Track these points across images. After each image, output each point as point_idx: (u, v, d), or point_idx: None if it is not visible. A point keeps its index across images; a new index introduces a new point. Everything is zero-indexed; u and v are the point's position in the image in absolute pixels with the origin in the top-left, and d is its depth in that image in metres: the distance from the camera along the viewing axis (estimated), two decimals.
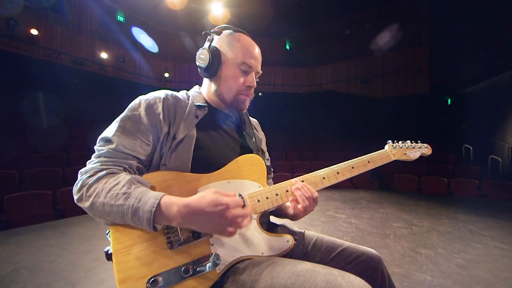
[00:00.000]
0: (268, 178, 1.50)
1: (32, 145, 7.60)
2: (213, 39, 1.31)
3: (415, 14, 14.09)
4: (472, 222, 5.24)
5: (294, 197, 1.22)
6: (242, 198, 1.16)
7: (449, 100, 14.26)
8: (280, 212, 1.41)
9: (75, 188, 1.00)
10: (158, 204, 0.92)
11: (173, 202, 0.94)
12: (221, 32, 1.31)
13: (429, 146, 1.58)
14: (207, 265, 1.00)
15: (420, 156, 1.55)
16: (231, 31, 1.31)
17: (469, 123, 12.29)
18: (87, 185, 0.97)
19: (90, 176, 0.99)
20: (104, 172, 1.00)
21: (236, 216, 0.93)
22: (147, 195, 0.94)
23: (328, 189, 8.30)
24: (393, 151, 1.48)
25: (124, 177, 0.99)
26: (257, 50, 1.31)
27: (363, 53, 15.25)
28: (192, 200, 0.94)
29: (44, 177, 6.19)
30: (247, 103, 1.35)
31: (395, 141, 1.52)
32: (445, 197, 8.14)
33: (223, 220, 0.91)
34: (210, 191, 0.96)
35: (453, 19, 11.56)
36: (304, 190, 1.20)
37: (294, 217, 1.31)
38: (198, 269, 0.98)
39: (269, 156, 1.63)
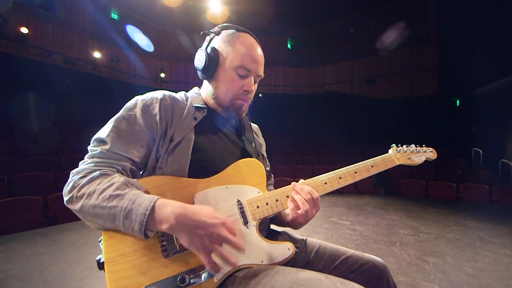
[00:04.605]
0: (268, 183, 1.50)
1: (22, 148, 7.59)
2: (211, 39, 1.31)
3: (422, 11, 14.13)
4: (482, 229, 5.24)
5: (292, 201, 1.20)
6: (241, 203, 1.17)
7: (458, 102, 14.26)
8: (280, 220, 1.40)
9: (65, 189, 1.00)
10: (153, 207, 0.92)
11: (169, 203, 0.95)
12: (221, 32, 1.30)
13: (434, 150, 1.58)
14: (204, 274, 1.00)
15: (425, 160, 1.55)
16: (233, 30, 1.30)
17: (479, 126, 12.26)
18: (78, 186, 0.98)
19: (82, 177, 0.99)
20: (97, 172, 1.00)
21: (227, 239, 0.92)
22: (141, 198, 0.95)
23: (332, 194, 8.33)
24: (397, 155, 1.48)
25: (118, 179, 1.00)
26: (259, 52, 1.29)
27: (368, 53, 15.30)
28: (189, 205, 0.96)
29: (34, 182, 6.19)
30: (245, 108, 1.35)
31: (399, 145, 1.53)
32: (454, 203, 8.14)
33: (214, 235, 0.90)
34: (208, 207, 0.99)
35: (463, 17, 11.56)
36: (304, 193, 1.18)
37: (294, 224, 1.29)
38: (194, 278, 0.98)
39: (270, 161, 1.63)
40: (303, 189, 1.20)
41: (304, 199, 1.17)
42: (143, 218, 0.90)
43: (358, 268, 1.23)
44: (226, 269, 1.05)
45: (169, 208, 0.93)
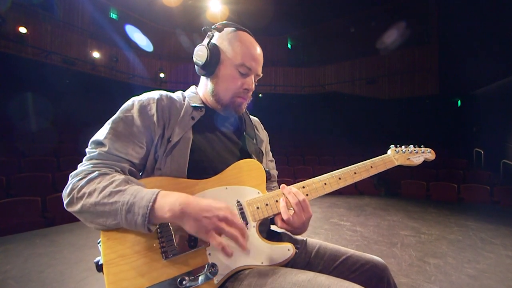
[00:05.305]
0: (271, 181, 1.52)
1: (21, 149, 7.59)
2: (213, 35, 1.30)
3: (423, 10, 14.13)
4: (483, 230, 5.24)
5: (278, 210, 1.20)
6: (241, 204, 1.17)
7: (459, 102, 14.23)
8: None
9: (65, 192, 1.00)
10: (155, 200, 0.93)
11: (171, 193, 0.97)
12: (223, 29, 1.31)
13: (432, 151, 1.59)
14: (204, 275, 1.00)
15: (424, 161, 1.56)
16: (233, 28, 1.30)
17: (480, 126, 12.25)
18: (78, 187, 0.98)
19: (81, 179, 1.00)
20: (95, 173, 1.00)
21: (232, 221, 0.95)
22: (143, 191, 0.96)
23: (332, 195, 8.32)
24: (396, 156, 1.49)
25: (119, 177, 1.00)
26: (258, 52, 1.30)
27: (369, 52, 15.28)
28: (191, 195, 0.98)
29: (33, 182, 6.19)
30: (244, 106, 1.35)
31: (398, 145, 1.54)
32: (455, 203, 8.16)
33: (221, 216, 0.94)
34: (209, 199, 1.01)
35: (464, 16, 11.56)
36: (291, 196, 1.18)
37: (291, 232, 1.29)
38: (194, 280, 0.98)
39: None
40: (290, 192, 1.20)
41: (291, 203, 1.17)
42: (146, 210, 0.91)
43: (358, 268, 1.23)
44: (228, 270, 1.05)
45: (172, 197, 0.95)
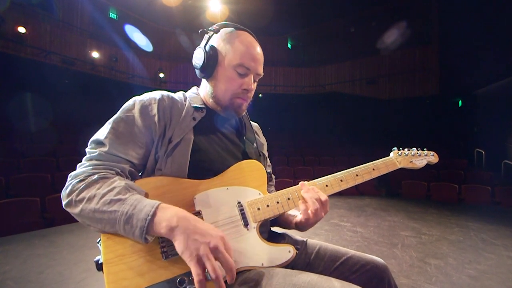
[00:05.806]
0: (269, 185, 1.50)
1: (20, 149, 7.59)
2: (210, 37, 1.30)
3: (424, 10, 14.15)
4: (484, 231, 5.24)
5: (303, 201, 1.19)
6: (242, 205, 1.17)
7: (460, 102, 14.26)
8: (286, 222, 1.39)
9: (64, 193, 0.99)
10: (154, 213, 0.91)
11: (171, 207, 0.94)
12: (219, 30, 1.30)
13: (436, 154, 1.59)
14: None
15: (427, 164, 1.56)
16: (232, 29, 1.29)
17: (481, 126, 12.27)
18: (77, 190, 0.97)
19: (81, 181, 0.98)
20: (96, 176, 0.99)
21: (223, 254, 0.87)
22: (142, 203, 0.94)
23: (332, 196, 8.21)
24: (399, 158, 1.49)
25: (119, 183, 0.98)
26: (258, 51, 1.28)
27: (369, 52, 15.28)
28: (193, 216, 0.95)
29: (32, 183, 6.19)
30: (244, 107, 1.34)
31: (401, 148, 1.53)
32: (456, 204, 8.15)
33: (211, 245, 0.87)
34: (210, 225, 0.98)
35: (465, 16, 11.56)
36: (313, 192, 1.18)
37: (302, 225, 1.26)
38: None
39: (270, 161, 1.63)
40: (313, 189, 1.20)
41: (314, 197, 1.16)
42: (144, 223, 0.89)
43: (359, 269, 1.23)
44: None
45: (172, 211, 0.92)
